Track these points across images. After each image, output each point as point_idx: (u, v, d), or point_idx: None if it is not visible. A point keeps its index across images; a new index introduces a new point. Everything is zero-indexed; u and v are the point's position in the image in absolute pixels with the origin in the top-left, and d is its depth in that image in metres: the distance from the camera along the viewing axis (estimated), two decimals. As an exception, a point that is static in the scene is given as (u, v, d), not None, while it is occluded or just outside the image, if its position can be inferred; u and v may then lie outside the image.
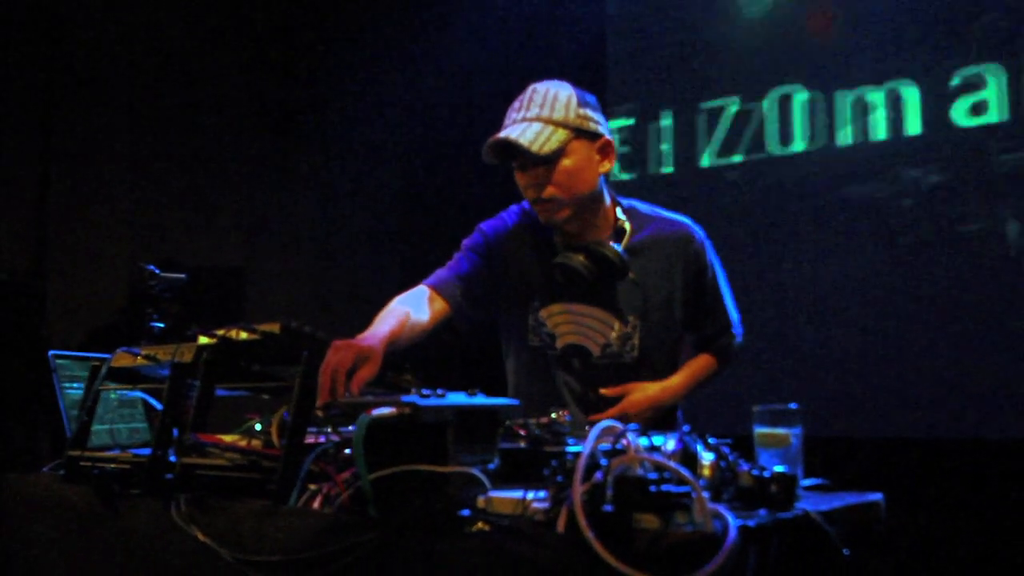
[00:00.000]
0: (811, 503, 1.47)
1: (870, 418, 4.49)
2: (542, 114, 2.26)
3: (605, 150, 2.33)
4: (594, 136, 2.31)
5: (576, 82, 2.35)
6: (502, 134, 2.25)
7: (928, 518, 4.02)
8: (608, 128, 2.36)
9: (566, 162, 2.26)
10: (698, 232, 2.47)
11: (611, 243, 2.34)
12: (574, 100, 2.29)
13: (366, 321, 2.09)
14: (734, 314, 2.55)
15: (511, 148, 2.24)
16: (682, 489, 1.21)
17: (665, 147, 5.24)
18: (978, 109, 4.32)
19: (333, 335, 1.79)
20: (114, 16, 6.22)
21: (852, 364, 4.57)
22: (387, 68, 6.41)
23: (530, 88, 2.32)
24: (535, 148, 2.21)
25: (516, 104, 2.32)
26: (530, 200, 2.34)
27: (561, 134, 2.24)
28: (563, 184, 2.27)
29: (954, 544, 4.09)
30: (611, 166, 2.35)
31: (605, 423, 1.35)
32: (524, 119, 2.26)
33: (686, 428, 1.47)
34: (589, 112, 2.30)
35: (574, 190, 2.28)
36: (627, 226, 2.41)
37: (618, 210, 2.44)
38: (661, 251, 2.42)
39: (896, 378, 4.46)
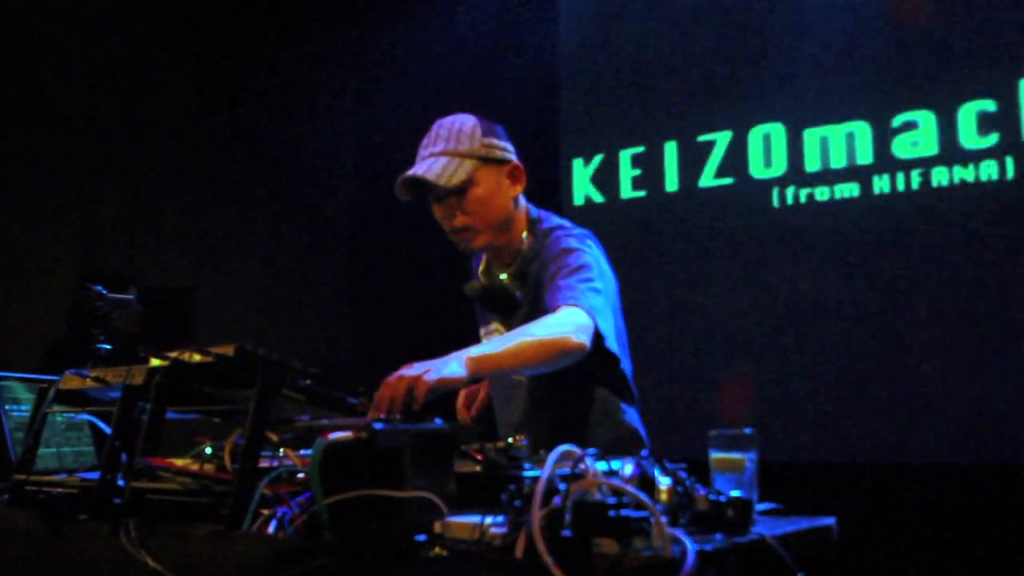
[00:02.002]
0: (766, 527, 1.48)
1: (821, 443, 4.54)
2: (448, 148, 2.32)
3: (514, 174, 2.39)
4: (501, 162, 2.37)
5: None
6: (410, 172, 2.32)
7: (878, 541, 4.07)
8: (516, 153, 2.42)
9: (476, 190, 2.32)
10: (574, 231, 2.41)
11: (507, 274, 2.43)
12: (478, 130, 2.35)
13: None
14: (590, 300, 2.20)
15: (421, 184, 2.32)
16: (640, 514, 1.22)
17: (635, 172, 5.28)
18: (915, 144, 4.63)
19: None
20: (59, 26, 6.14)
21: (805, 389, 4.62)
22: (338, 88, 6.40)
23: (436, 124, 2.39)
24: (443, 181, 2.28)
25: (424, 141, 2.38)
26: (447, 230, 2.39)
27: (468, 164, 2.31)
28: (475, 212, 2.33)
29: (904, 567, 4.13)
30: (522, 189, 2.41)
31: (563, 448, 1.35)
32: (431, 155, 2.33)
33: (644, 452, 1.48)
34: (494, 140, 2.37)
35: (487, 216, 2.35)
36: (528, 252, 2.41)
37: (524, 234, 2.43)
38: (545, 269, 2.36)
39: (848, 403, 4.52)
